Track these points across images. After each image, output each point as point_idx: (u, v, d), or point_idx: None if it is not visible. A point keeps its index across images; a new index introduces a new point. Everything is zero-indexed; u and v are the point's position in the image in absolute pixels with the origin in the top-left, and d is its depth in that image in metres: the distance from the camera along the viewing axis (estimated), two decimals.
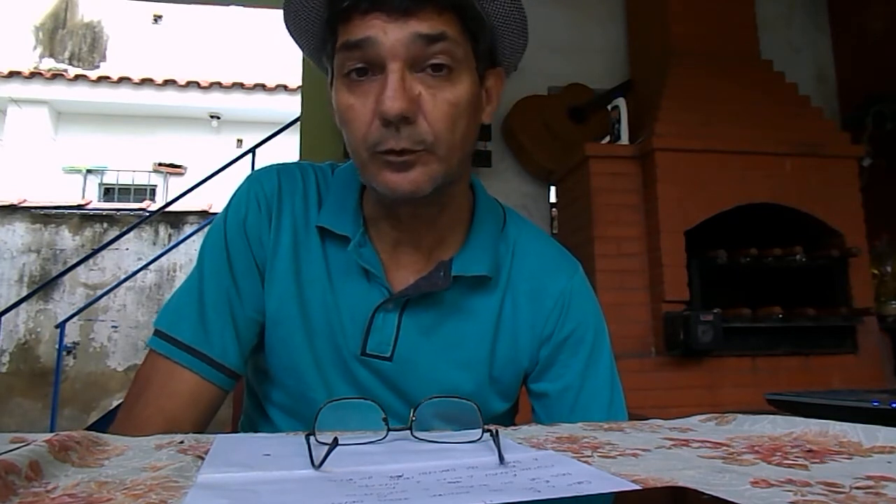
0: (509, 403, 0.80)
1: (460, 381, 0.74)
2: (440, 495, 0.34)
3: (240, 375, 0.74)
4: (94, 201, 6.67)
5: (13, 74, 7.30)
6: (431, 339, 0.73)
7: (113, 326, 5.53)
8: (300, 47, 0.74)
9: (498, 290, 0.76)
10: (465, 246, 0.75)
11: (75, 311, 5.00)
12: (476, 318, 0.75)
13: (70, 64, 7.89)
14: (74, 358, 5.42)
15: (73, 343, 5.39)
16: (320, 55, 0.73)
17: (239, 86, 7.63)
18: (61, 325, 4.69)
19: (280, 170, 0.78)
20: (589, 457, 0.45)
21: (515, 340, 0.77)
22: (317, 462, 0.41)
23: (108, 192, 7.81)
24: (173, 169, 7.85)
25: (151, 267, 5.34)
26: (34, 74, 7.44)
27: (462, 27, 0.65)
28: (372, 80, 0.63)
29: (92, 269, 5.56)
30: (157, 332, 0.72)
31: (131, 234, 5.42)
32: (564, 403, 0.77)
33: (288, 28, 0.72)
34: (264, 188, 0.76)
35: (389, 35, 0.61)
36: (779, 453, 0.45)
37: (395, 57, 0.62)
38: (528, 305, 0.77)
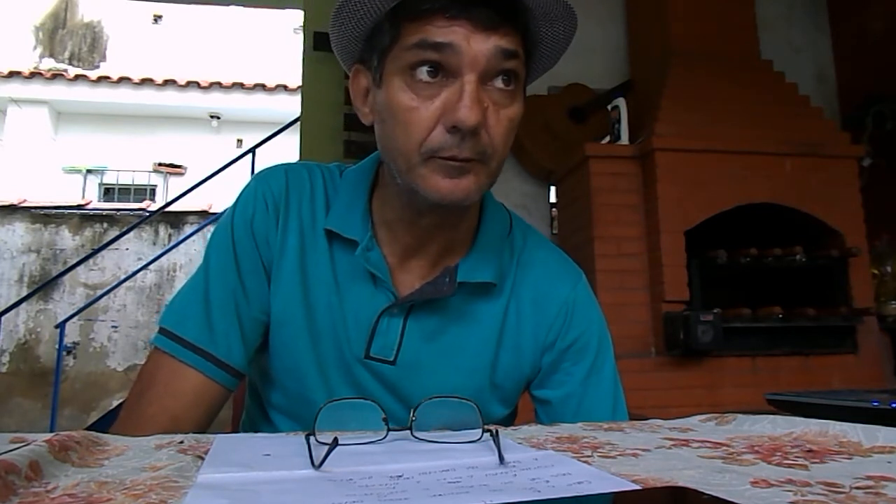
0: (509, 409, 0.80)
1: (461, 386, 0.73)
2: (440, 495, 0.34)
3: (244, 375, 0.74)
4: (94, 201, 6.67)
5: (13, 74, 7.30)
6: (434, 345, 0.73)
7: (113, 326, 5.53)
8: (338, 28, 0.68)
9: (502, 297, 0.76)
10: (471, 252, 0.75)
11: (75, 311, 4.99)
12: (480, 324, 0.75)
13: (70, 64, 7.90)
14: (74, 358, 5.42)
15: (73, 343, 5.39)
16: (358, 45, 0.69)
17: (239, 86, 7.63)
18: (61, 325, 4.69)
19: (287, 169, 0.78)
20: (589, 457, 0.45)
21: (518, 348, 0.77)
22: (317, 462, 0.41)
23: (108, 192, 7.81)
24: (173, 169, 7.85)
25: (151, 267, 5.34)
26: (34, 74, 7.44)
27: (524, 47, 0.66)
28: (442, 85, 0.62)
29: (92, 269, 5.56)
30: (161, 330, 0.71)
31: (131, 234, 5.42)
32: (567, 411, 0.77)
33: (341, 9, 0.66)
34: (272, 188, 0.75)
35: (473, 45, 0.61)
36: (779, 453, 0.45)
37: (473, 67, 0.62)
38: (531, 313, 0.77)
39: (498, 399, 0.77)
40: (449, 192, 0.64)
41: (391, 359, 0.72)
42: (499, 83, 0.63)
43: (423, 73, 0.62)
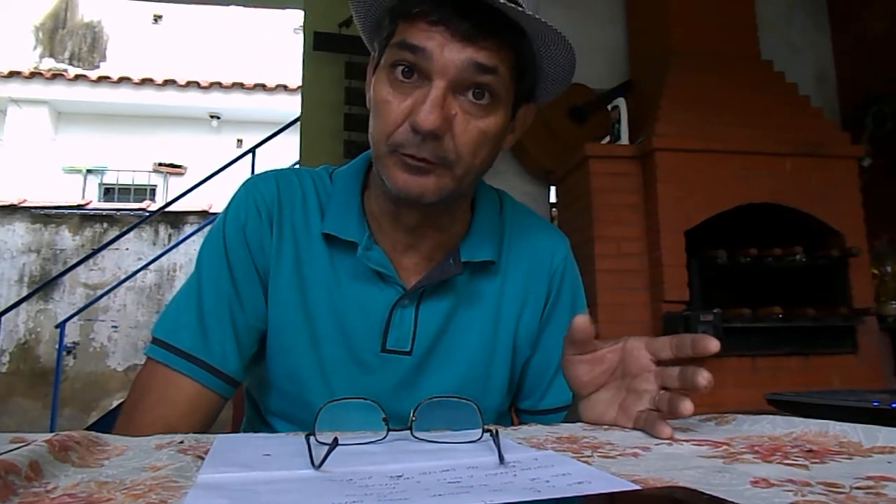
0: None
1: (475, 363, 0.76)
2: (440, 495, 0.34)
3: (239, 382, 0.73)
4: (94, 201, 6.67)
5: (13, 74, 7.30)
6: (448, 327, 0.75)
7: (113, 326, 5.53)
8: (355, 14, 0.73)
9: (499, 274, 0.79)
10: (469, 234, 0.77)
11: (75, 311, 4.99)
12: (484, 301, 0.78)
13: (70, 64, 7.90)
14: (74, 358, 5.42)
15: (73, 343, 5.39)
16: (372, 35, 0.74)
17: (239, 86, 7.63)
18: (61, 325, 4.69)
19: (277, 176, 0.78)
20: (589, 457, 0.45)
21: (518, 320, 0.80)
22: (317, 462, 0.41)
23: (108, 192, 7.81)
24: (173, 169, 7.85)
25: (151, 267, 5.34)
26: (34, 74, 7.44)
27: (514, 65, 0.66)
28: (416, 84, 0.64)
29: (92, 269, 5.56)
30: (154, 340, 0.71)
31: (131, 234, 5.42)
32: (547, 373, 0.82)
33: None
34: (263, 195, 0.75)
35: (446, 54, 0.62)
36: (779, 453, 0.45)
37: (443, 75, 0.63)
38: (526, 287, 0.80)
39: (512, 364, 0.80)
40: (405, 186, 0.65)
41: (408, 349, 0.74)
42: (471, 95, 0.64)
43: (399, 71, 0.65)
